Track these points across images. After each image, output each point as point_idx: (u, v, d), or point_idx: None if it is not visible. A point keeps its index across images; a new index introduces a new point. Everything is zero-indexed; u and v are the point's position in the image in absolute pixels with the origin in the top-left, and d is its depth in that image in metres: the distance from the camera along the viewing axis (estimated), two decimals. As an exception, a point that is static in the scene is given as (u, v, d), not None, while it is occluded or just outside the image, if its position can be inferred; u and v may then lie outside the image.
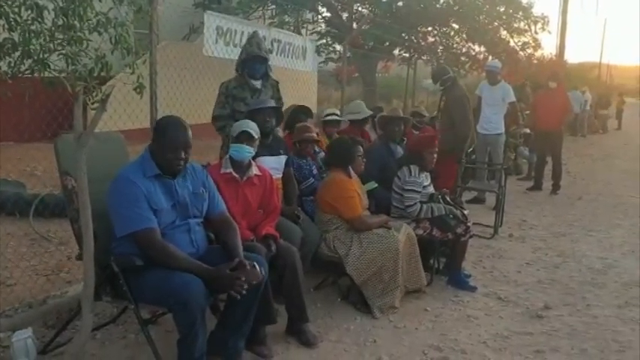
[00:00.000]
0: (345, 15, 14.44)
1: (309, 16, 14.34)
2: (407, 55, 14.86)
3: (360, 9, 14.48)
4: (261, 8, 12.87)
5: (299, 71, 7.24)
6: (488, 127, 7.16)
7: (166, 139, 2.57)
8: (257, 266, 2.58)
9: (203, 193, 2.79)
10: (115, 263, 2.53)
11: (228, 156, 3.17)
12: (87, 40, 3.00)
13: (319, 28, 14.47)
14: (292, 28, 12.57)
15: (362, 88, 15.42)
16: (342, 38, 12.17)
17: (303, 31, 13.14)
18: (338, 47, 13.59)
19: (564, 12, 15.74)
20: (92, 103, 3.04)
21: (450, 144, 5.69)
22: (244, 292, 2.47)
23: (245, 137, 3.14)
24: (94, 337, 3.05)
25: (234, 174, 3.12)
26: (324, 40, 13.94)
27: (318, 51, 13.85)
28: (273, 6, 13.02)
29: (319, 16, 14.58)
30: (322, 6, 14.15)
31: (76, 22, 2.90)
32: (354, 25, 13.64)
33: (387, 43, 13.57)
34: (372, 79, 14.62)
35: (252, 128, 3.19)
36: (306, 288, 3.93)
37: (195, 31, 11.96)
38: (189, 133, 2.63)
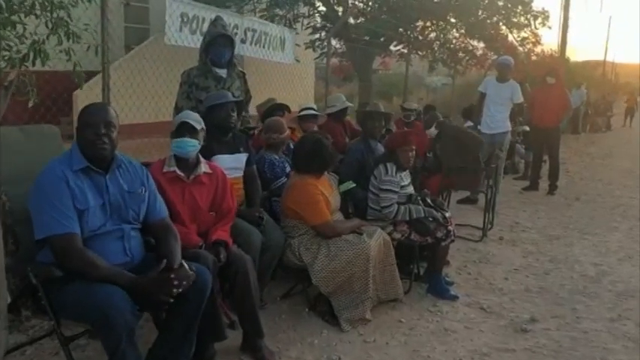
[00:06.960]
0: (340, 9, 14.08)
1: (304, 10, 13.98)
2: (405, 50, 14.51)
3: (355, 3, 14.12)
4: (253, 0, 12.52)
5: (294, 66, 6.97)
6: (494, 126, 6.81)
7: (84, 119, 2.35)
8: (185, 264, 2.31)
9: (141, 193, 2.49)
10: (32, 274, 2.24)
11: (172, 153, 2.84)
12: (20, 23, 2.73)
13: (314, 22, 14.13)
14: (286, 21, 12.24)
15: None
16: (338, 33, 11.86)
17: (298, 25, 12.80)
18: (333, 42, 13.24)
19: (566, 7, 15.27)
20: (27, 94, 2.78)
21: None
22: (179, 291, 2.21)
23: (186, 129, 2.80)
24: (24, 353, 2.76)
25: (179, 173, 2.79)
26: (318, 35, 13.60)
27: (313, 46, 13.60)
28: (267, -2, 12.66)
29: (315, 10, 14.23)
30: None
31: (2, 2, 2.61)
32: (351, 19, 13.30)
33: (383, 39, 13.22)
34: (367, 75, 14.27)
35: (194, 119, 2.85)
36: (273, 297, 3.65)
37: (186, 24, 11.62)
38: (111, 112, 2.41)
